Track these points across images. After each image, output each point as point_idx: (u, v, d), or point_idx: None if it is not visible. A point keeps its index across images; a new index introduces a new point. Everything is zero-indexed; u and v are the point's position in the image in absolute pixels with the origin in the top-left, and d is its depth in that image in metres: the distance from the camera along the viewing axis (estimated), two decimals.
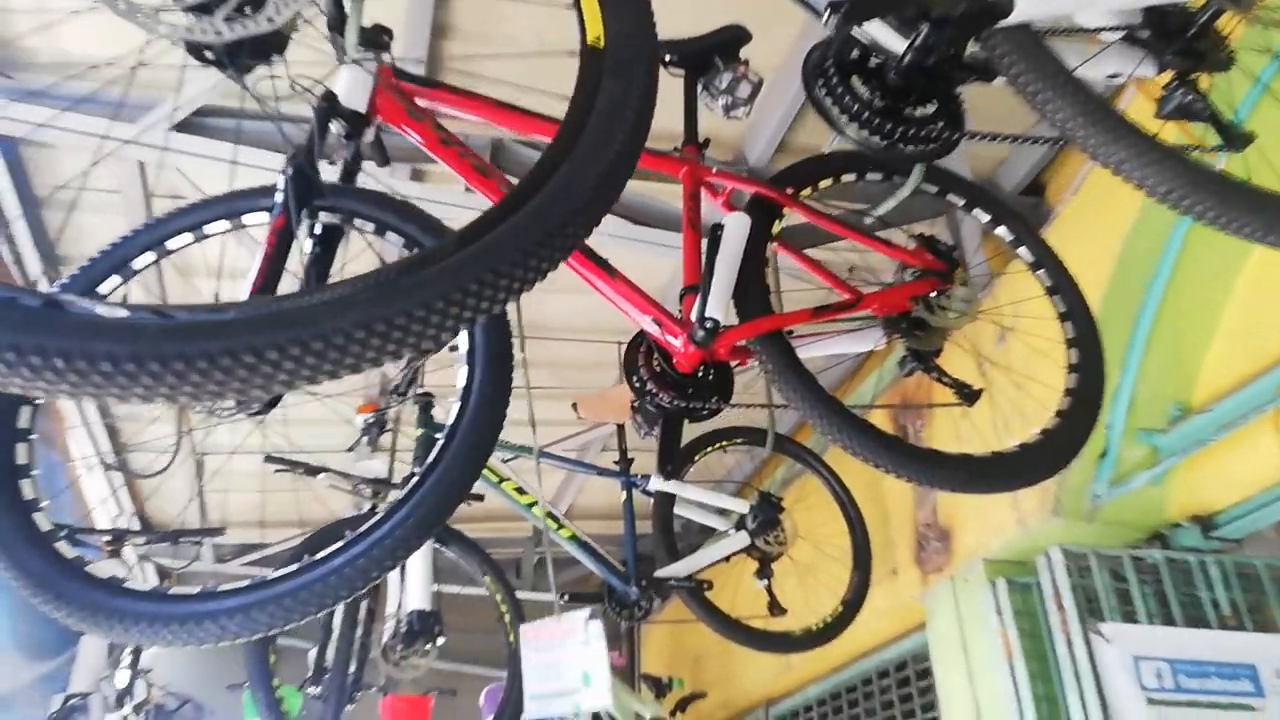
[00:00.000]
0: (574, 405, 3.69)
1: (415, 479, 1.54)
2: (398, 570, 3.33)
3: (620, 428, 3.72)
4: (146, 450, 4.80)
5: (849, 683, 4.39)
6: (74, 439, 4.30)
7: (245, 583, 1.47)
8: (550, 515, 3.39)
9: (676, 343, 1.95)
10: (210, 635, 1.43)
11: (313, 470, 4.05)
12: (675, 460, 2.01)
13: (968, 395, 2.23)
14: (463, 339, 1.67)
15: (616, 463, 3.64)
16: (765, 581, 3.61)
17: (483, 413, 1.58)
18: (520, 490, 3.38)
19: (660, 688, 5.29)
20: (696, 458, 3.77)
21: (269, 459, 4.13)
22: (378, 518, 1.52)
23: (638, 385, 2.08)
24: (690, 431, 3.95)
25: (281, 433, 3.31)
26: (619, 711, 5.05)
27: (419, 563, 3.06)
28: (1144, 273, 3.09)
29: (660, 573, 3.42)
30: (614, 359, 4.76)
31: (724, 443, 3.84)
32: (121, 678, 3.73)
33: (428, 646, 2.98)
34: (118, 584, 1.48)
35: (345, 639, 3.81)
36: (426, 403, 3.39)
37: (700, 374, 2.02)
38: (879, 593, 3.72)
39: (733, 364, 2.09)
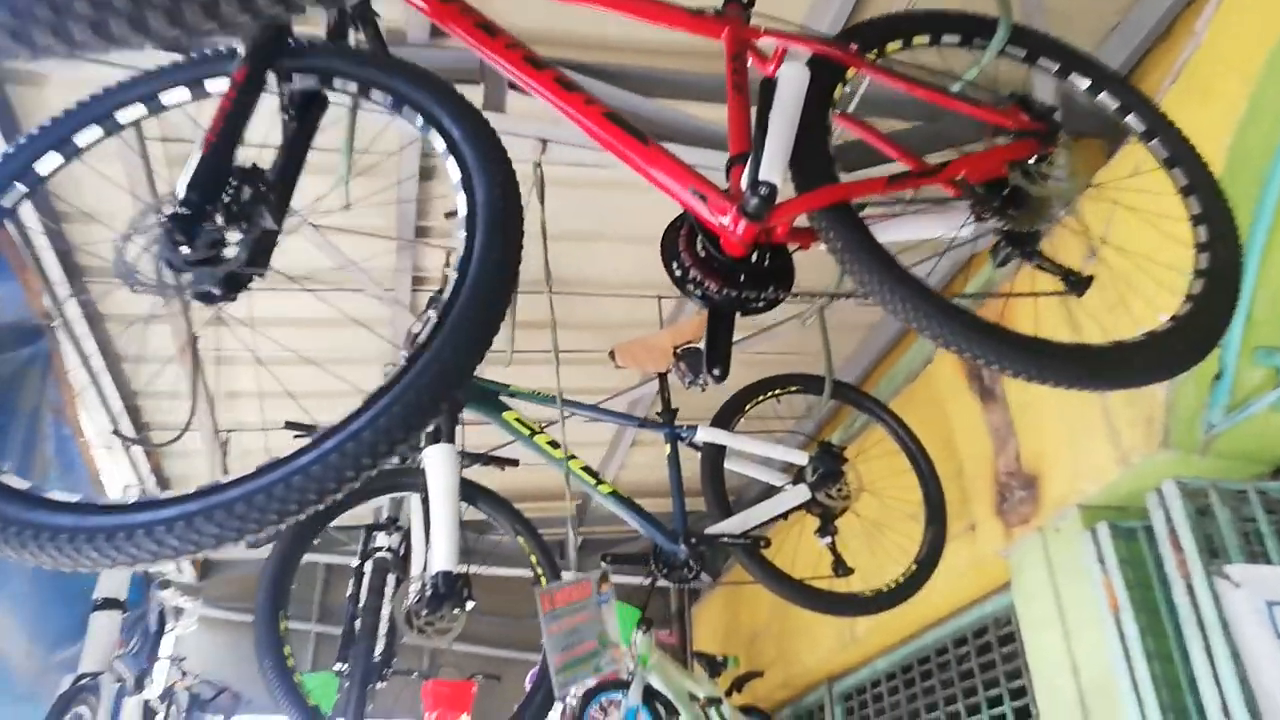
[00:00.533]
0: (611, 353, 3.38)
1: (403, 364, 1.23)
2: (422, 530, 3.03)
3: (662, 377, 3.39)
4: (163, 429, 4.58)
5: (921, 653, 4.02)
6: (86, 411, 4.07)
7: (192, 489, 1.17)
8: (586, 469, 3.08)
9: (725, 220, 1.61)
10: (145, 551, 1.12)
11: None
12: (721, 360, 1.65)
13: (1076, 283, 1.86)
14: (461, 202, 1.35)
15: (659, 414, 3.31)
16: (829, 539, 3.26)
17: (484, 278, 1.26)
18: (554, 444, 3.07)
19: (714, 666, 4.96)
20: (748, 407, 3.44)
21: (288, 425, 3.87)
22: (353, 411, 1.21)
23: (678, 274, 1.75)
24: (739, 380, 3.63)
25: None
26: (671, 690, 4.74)
27: (444, 520, 2.76)
28: (1259, 167, 2.68)
29: (712, 529, 3.08)
30: (656, 319, 4.47)
31: (777, 391, 3.51)
32: (135, 661, 3.49)
33: (455, 611, 2.67)
34: (35, 494, 1.18)
35: (371, 611, 3.54)
36: None
37: (754, 258, 1.67)
38: (955, 552, 3.35)
39: (791, 247, 1.75)
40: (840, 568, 3.23)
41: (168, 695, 4.24)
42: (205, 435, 4.83)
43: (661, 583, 5.62)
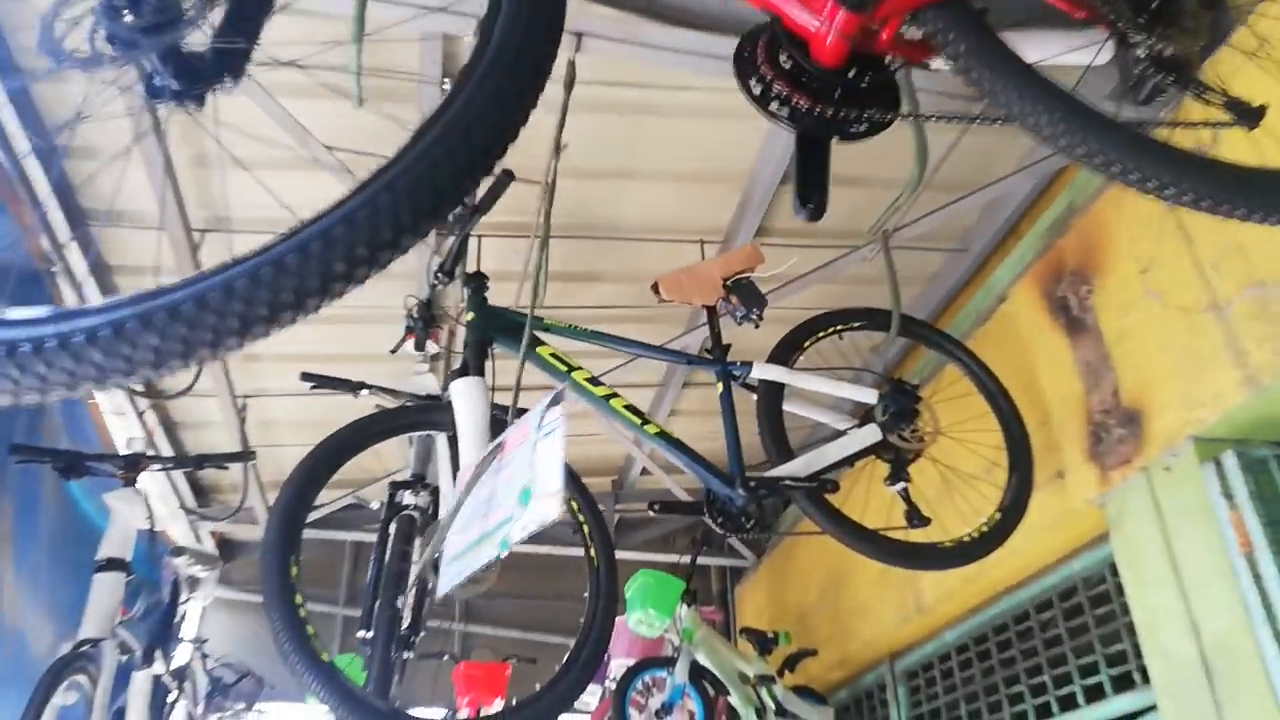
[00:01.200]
0: (654, 286, 3.05)
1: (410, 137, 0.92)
2: (450, 474, 2.72)
3: (711, 311, 3.05)
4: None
5: (997, 622, 3.65)
6: None
7: (116, 298, 0.86)
8: (630, 408, 2.75)
9: (817, 20, 1.28)
10: (60, 371, 0.82)
11: (353, 387, 3.49)
12: (816, 193, 1.32)
13: (1246, 113, 1.51)
14: None
15: (708, 351, 2.98)
16: (901, 486, 2.92)
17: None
18: (594, 381, 2.75)
19: (765, 643, 4.61)
20: (806, 345, 3.10)
21: (304, 376, 3.59)
22: (351, 190, 0.90)
23: (758, 91, 1.41)
24: (796, 316, 3.29)
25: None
26: (719, 668, 4.40)
27: (475, 437, 2.45)
28: None
29: (774, 472, 2.75)
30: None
31: (839, 327, 3.17)
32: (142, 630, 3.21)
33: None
34: None
35: (396, 574, 3.24)
36: (479, 285, 2.78)
37: (850, 73, 1.34)
38: (1039, 504, 2.99)
39: (895, 63, 1.41)
40: (915, 518, 2.88)
41: (182, 674, 3.97)
42: (222, 400, 4.56)
43: (703, 559, 5.27)
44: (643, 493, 6.35)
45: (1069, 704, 3.18)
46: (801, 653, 4.72)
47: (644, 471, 6.16)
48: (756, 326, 3.05)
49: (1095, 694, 3.08)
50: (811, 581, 5.14)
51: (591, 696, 5.33)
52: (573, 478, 2.69)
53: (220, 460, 3.49)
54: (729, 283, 3.04)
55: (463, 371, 2.60)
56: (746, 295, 3.02)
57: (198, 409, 4.83)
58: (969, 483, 3.07)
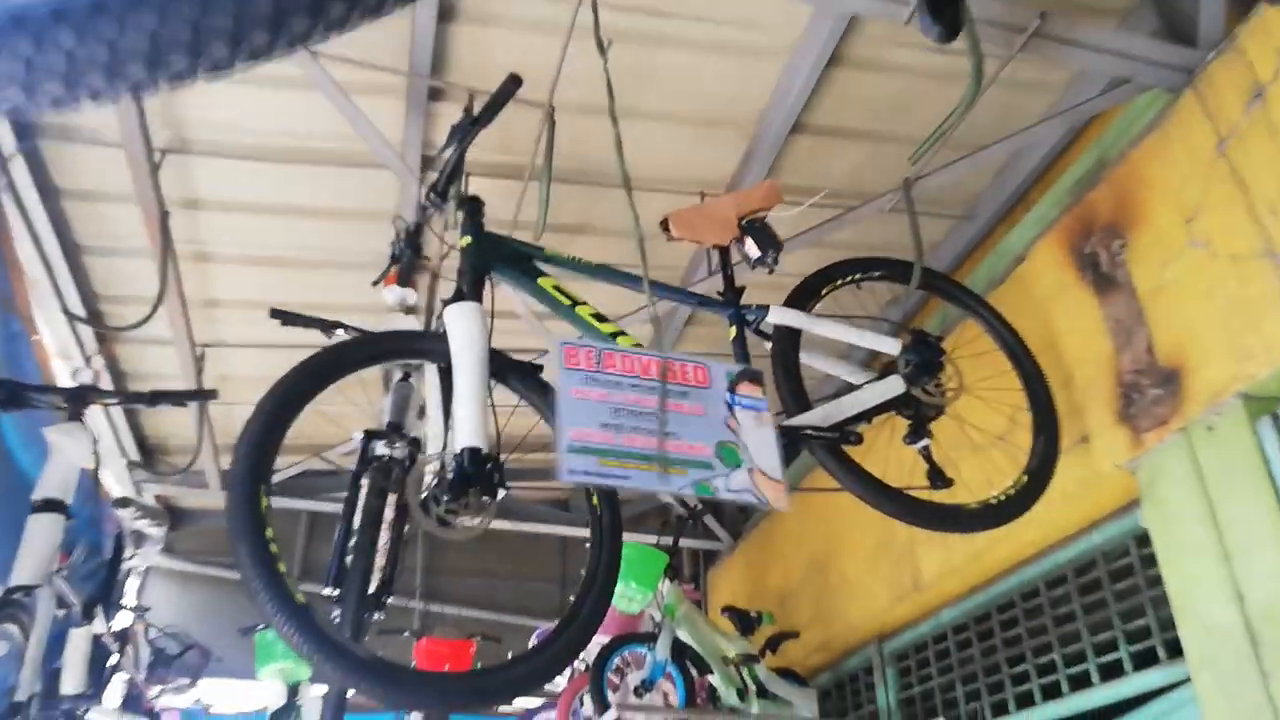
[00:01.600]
0: (663, 223, 2.82)
1: None
2: (439, 407, 2.47)
3: (724, 252, 2.84)
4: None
5: (1001, 600, 3.49)
6: (36, 296, 3.48)
7: None
8: (636, 345, 2.52)
9: None
10: None
11: (327, 326, 3.21)
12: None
13: None
14: None
15: (720, 294, 2.77)
16: (923, 444, 2.73)
17: None
18: (600, 317, 2.52)
19: (747, 623, 4.42)
20: (824, 292, 2.90)
21: (274, 313, 3.30)
22: None
23: None
24: (814, 261, 3.09)
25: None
26: (702, 646, 4.19)
27: (471, 389, 2.20)
28: None
29: (792, 421, 2.54)
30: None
31: (858, 275, 2.97)
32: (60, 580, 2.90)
33: (484, 499, 2.09)
34: None
35: (369, 529, 2.98)
36: (474, 207, 2.54)
37: None
38: (1059, 472, 2.82)
39: None
40: (938, 478, 2.70)
41: (124, 637, 3.66)
42: (180, 348, 4.24)
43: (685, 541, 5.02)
44: None
45: (1080, 683, 3.02)
46: (783, 634, 4.53)
47: None
48: (770, 272, 2.84)
49: (1112, 672, 2.92)
50: (794, 562, 4.95)
51: (561, 677, 5.09)
52: None
53: (177, 399, 3.18)
54: (744, 223, 2.83)
55: (458, 296, 2.36)
56: (762, 237, 2.82)
57: (151, 358, 4.50)
58: (994, 444, 2.89)
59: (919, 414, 2.75)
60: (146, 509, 3.57)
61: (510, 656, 2.09)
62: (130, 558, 3.59)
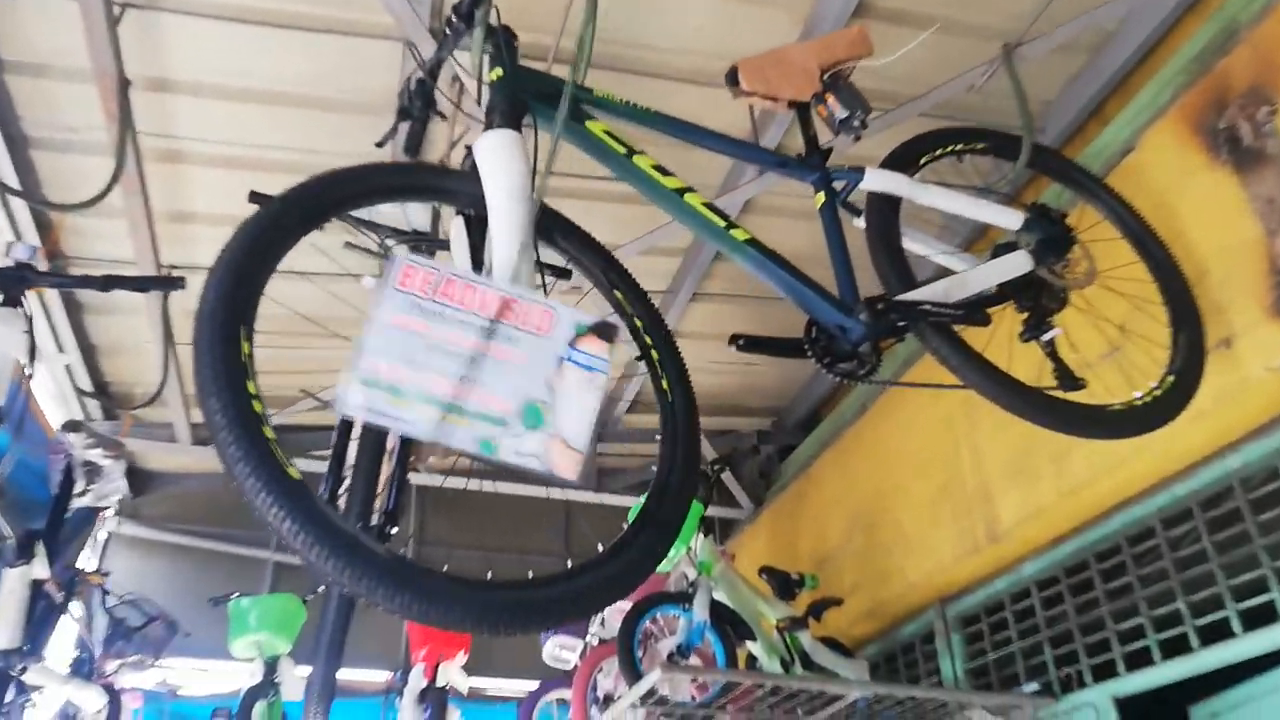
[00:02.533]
0: (730, 74, 2.32)
1: None
2: (466, 255, 1.96)
3: (803, 109, 2.34)
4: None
5: (1102, 545, 3.01)
6: None
7: None
8: (710, 207, 2.04)
9: None
10: None
11: None
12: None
13: None
14: None
15: (800, 156, 2.27)
16: (1051, 335, 2.25)
17: None
18: (662, 170, 2.04)
19: (787, 586, 3.92)
20: (922, 161, 2.42)
21: (253, 196, 2.76)
22: None
23: None
24: (914, 126, 2.62)
25: None
26: (740, 609, 3.69)
27: (511, 227, 1.72)
28: None
29: (908, 296, 2.05)
30: (744, 123, 3.33)
31: (960, 146, 2.50)
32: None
33: None
34: None
35: (365, 473, 2.46)
36: (505, 37, 2.04)
37: None
38: None
39: None
40: (1067, 379, 2.22)
41: (71, 588, 3.11)
42: (143, 268, 3.69)
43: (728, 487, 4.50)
44: (629, 431, 5.60)
45: (1217, 633, 2.55)
46: (826, 601, 4.02)
47: (632, 406, 5.43)
48: (857, 138, 2.36)
49: (1259, 619, 2.45)
50: (833, 522, 4.46)
51: (570, 653, 4.58)
52: (620, 274, 1.94)
53: (135, 284, 2.64)
54: (827, 76, 2.34)
55: (490, 124, 1.87)
56: (848, 94, 2.33)
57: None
58: (1129, 341, 2.42)
59: (1040, 303, 2.28)
60: (100, 437, 3.05)
61: (571, 565, 1.59)
62: (82, 494, 3.06)
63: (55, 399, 4.37)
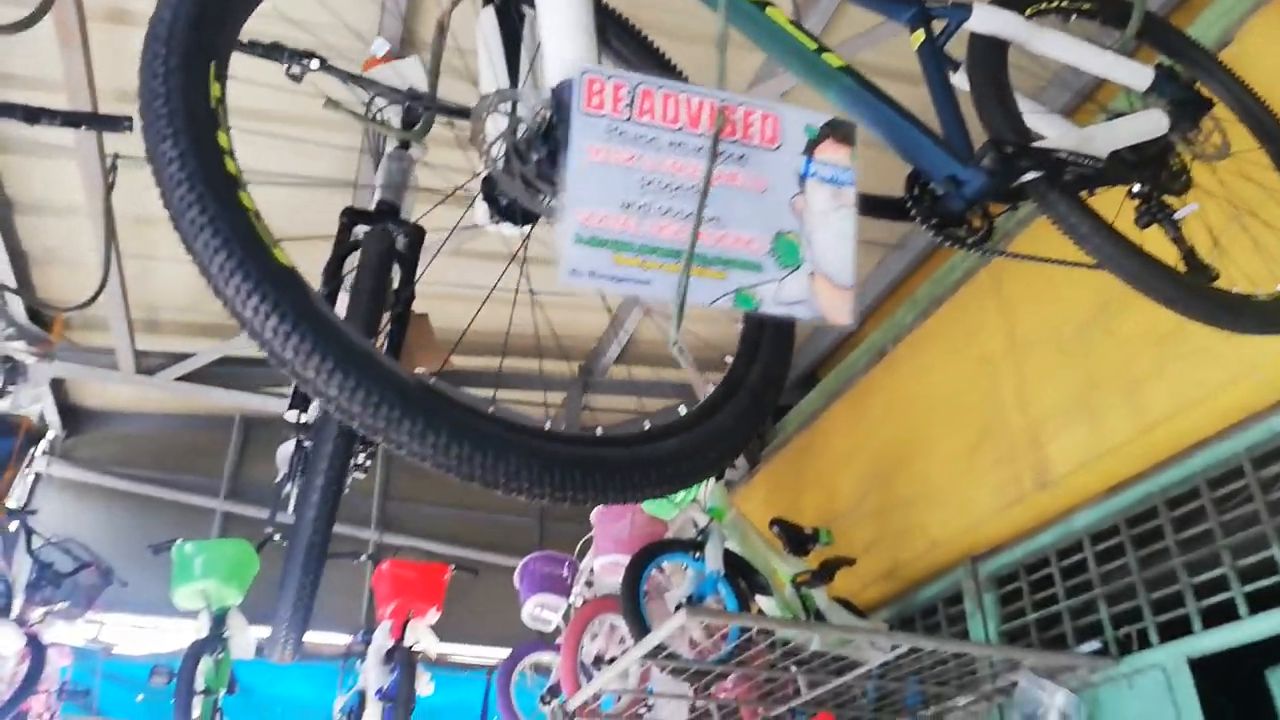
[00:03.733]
0: None
1: None
2: (500, 47, 1.55)
3: None
4: None
5: (1175, 490, 2.69)
6: None
7: None
8: (796, 24, 1.65)
9: None
10: None
11: (297, 57, 2.26)
12: None
13: None
14: None
15: None
16: (1183, 214, 1.91)
17: None
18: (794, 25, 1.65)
19: (799, 541, 3.56)
20: (1028, 12, 2.05)
21: (248, 44, 2.32)
22: None
23: None
24: None
25: None
26: (754, 560, 3.33)
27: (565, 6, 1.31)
28: None
29: (1043, 143, 1.68)
30: None
31: (1066, 3, 2.13)
32: None
33: None
34: None
35: (365, 309, 2.06)
36: None
37: None
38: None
39: None
40: (1196, 266, 1.87)
41: None
42: (83, 160, 3.21)
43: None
44: (618, 383, 5.20)
45: None
46: (838, 560, 3.66)
47: (621, 355, 5.03)
48: None
49: None
50: (842, 478, 4.11)
51: (551, 613, 4.18)
52: None
53: (72, 120, 2.17)
54: None
55: None
56: None
57: (41, 173, 3.43)
58: (1267, 228, 2.08)
59: (1160, 181, 1.93)
60: (22, 327, 2.59)
61: (648, 426, 1.20)
62: (2, 394, 2.60)
63: None
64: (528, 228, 1.35)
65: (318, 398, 0.95)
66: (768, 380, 1.30)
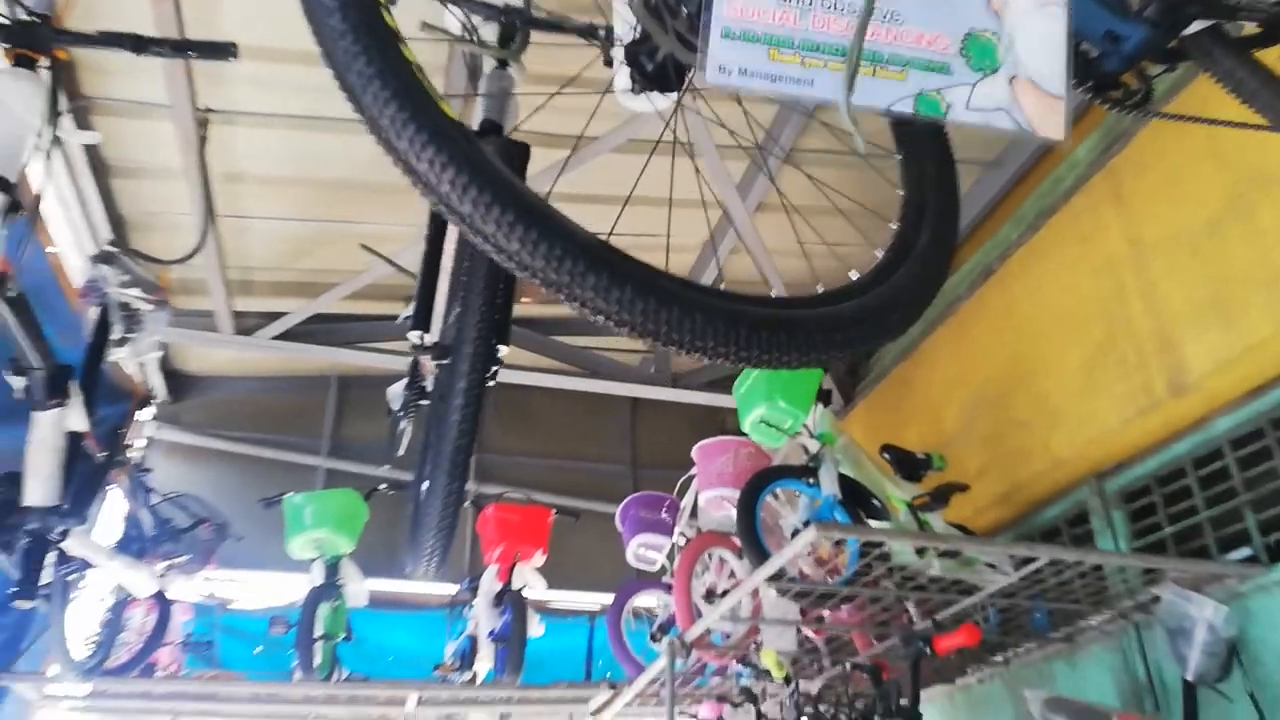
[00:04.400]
0: None
1: None
2: None
3: None
4: None
5: None
6: None
7: None
8: None
9: None
10: None
11: None
12: None
13: None
14: None
15: None
16: None
17: None
18: None
19: (912, 466, 3.45)
20: None
21: None
22: None
23: None
24: None
25: None
26: (870, 484, 3.26)
27: None
28: None
29: None
30: None
31: None
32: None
33: None
34: None
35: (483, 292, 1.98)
36: None
37: None
38: None
39: None
40: None
41: (114, 443, 2.70)
42: (178, 114, 3.23)
43: None
44: None
45: None
46: (951, 486, 3.55)
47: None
48: None
49: None
50: (949, 405, 3.99)
51: (655, 553, 4.15)
52: None
53: (179, 48, 2.17)
54: None
55: None
56: None
57: (137, 133, 3.47)
58: None
59: None
60: (137, 275, 2.63)
61: (821, 290, 1.13)
62: (120, 342, 2.64)
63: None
64: (674, 96, 1.28)
65: (497, 253, 0.90)
66: (939, 240, 1.22)
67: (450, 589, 4.88)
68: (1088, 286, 3.24)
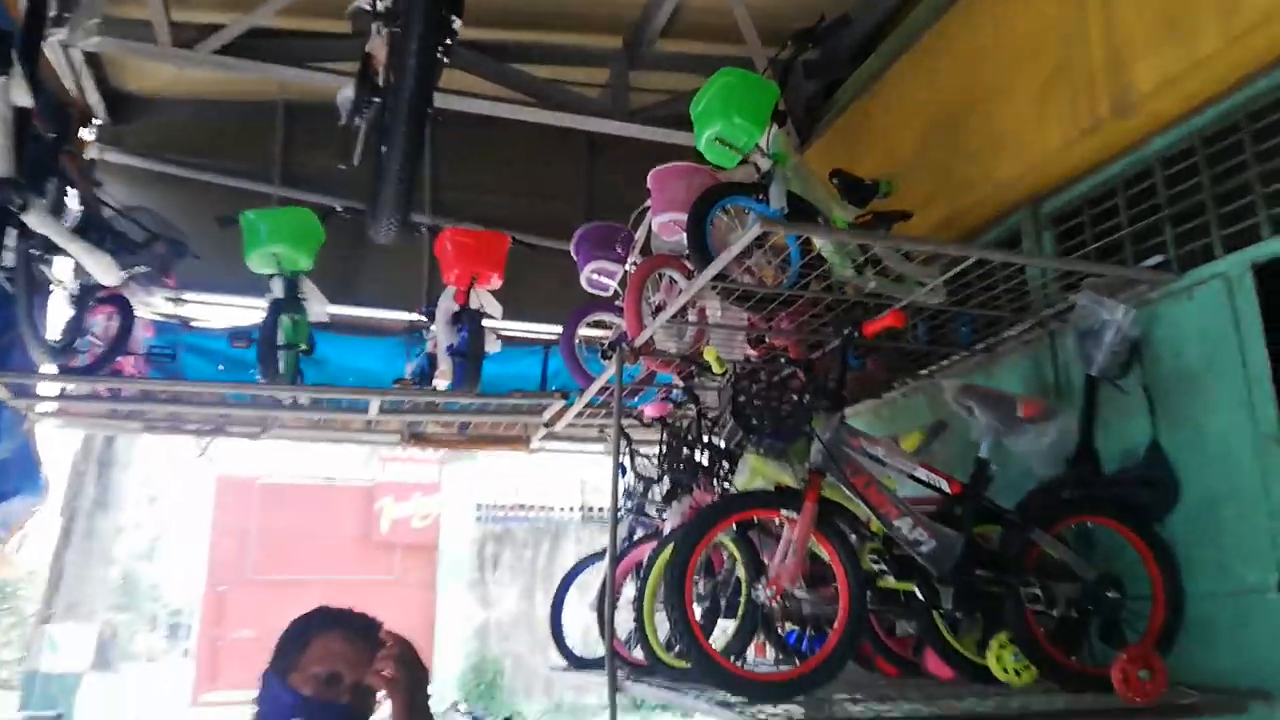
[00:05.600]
0: None
1: None
2: None
3: None
4: None
5: (1263, 102, 2.61)
6: None
7: None
8: None
9: None
10: None
11: None
12: None
13: None
14: None
15: None
16: None
17: None
18: None
19: (858, 191, 3.54)
20: None
21: None
22: None
23: None
24: None
25: None
26: (816, 204, 3.35)
27: None
28: None
29: None
30: None
31: None
32: None
33: None
34: None
35: None
36: None
37: None
38: None
39: None
40: None
41: (63, 147, 2.65)
42: None
43: None
44: (664, 56, 5.02)
45: None
46: (895, 213, 3.66)
47: (671, 22, 4.78)
48: None
49: None
50: (904, 136, 4.04)
51: (608, 279, 4.28)
52: None
53: None
54: None
55: None
56: None
57: None
58: None
59: None
60: None
61: None
62: (58, 21, 2.54)
63: None
64: None
65: None
66: None
67: (407, 316, 5.04)
68: (1052, 12, 3.22)
